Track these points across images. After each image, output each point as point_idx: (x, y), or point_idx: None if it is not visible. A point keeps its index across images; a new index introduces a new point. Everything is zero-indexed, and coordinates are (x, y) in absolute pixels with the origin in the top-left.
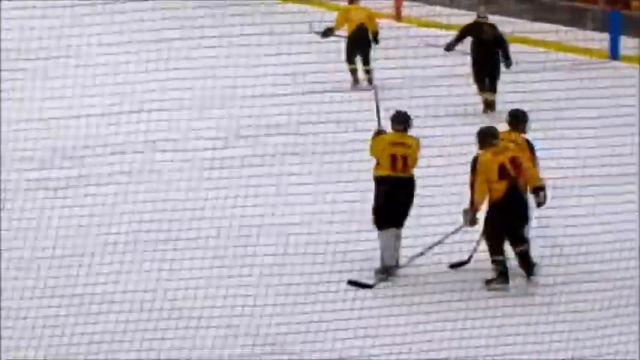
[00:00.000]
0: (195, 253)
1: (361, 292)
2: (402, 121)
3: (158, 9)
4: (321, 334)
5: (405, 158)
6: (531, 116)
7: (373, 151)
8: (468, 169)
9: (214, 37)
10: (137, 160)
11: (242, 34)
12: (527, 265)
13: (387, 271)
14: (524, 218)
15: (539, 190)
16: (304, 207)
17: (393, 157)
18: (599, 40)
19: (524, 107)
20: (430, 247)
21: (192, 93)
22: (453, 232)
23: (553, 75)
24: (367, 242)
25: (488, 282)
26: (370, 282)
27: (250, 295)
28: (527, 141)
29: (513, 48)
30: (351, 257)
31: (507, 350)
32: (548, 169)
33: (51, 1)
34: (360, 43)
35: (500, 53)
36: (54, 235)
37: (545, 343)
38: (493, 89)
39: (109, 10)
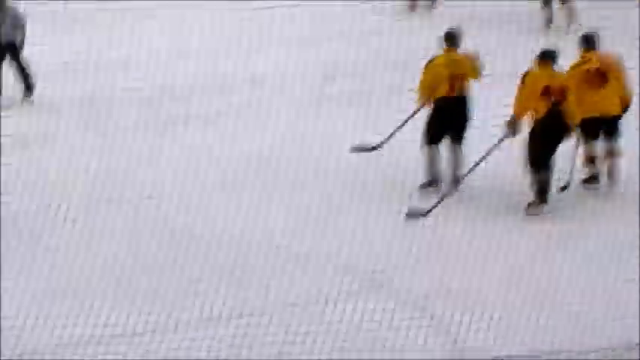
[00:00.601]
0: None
1: None
2: (454, 38)
3: None
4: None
5: (461, 78)
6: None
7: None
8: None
9: None
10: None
11: None
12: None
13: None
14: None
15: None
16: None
17: (450, 79)
18: None
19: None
20: (477, 163)
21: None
22: (497, 144)
23: None
24: None
25: (528, 205)
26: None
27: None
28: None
29: None
30: None
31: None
32: None
33: None
34: None
35: None
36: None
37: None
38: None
39: None
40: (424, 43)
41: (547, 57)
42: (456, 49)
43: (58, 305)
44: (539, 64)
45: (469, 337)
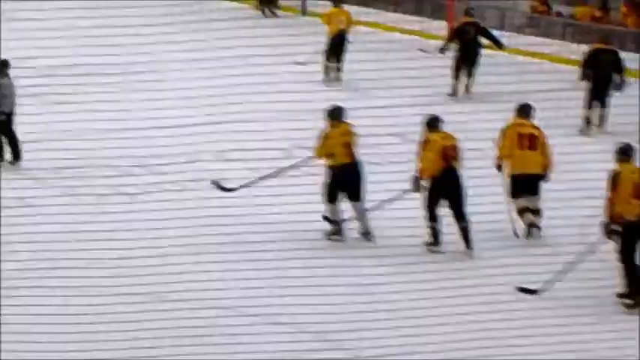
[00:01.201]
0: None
1: None
2: (340, 113)
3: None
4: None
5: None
6: None
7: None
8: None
9: None
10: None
11: None
12: (467, 238)
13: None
14: (460, 195)
15: None
16: None
17: (344, 146)
18: None
19: None
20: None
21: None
22: (403, 193)
23: None
24: None
25: (425, 244)
26: None
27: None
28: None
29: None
30: None
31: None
32: None
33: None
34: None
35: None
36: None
37: None
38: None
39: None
40: None
41: (436, 123)
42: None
43: None
44: (430, 129)
45: None
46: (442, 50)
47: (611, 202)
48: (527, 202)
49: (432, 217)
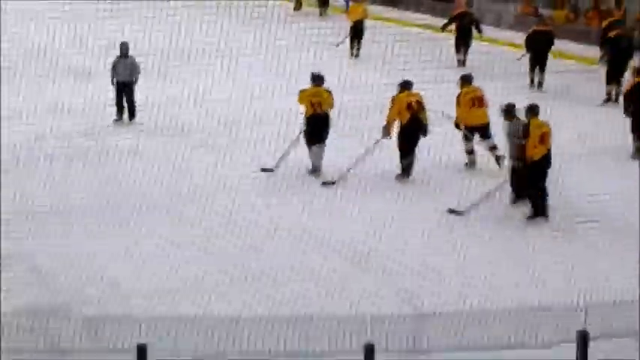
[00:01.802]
0: None
1: None
2: (318, 78)
3: None
4: None
5: (320, 103)
6: None
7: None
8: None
9: None
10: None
11: None
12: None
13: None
14: (418, 137)
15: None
16: None
17: (312, 103)
18: None
19: None
20: (362, 157)
21: None
22: (375, 143)
23: None
24: None
25: (397, 176)
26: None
27: None
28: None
29: None
30: None
31: None
32: None
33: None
34: None
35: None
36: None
37: None
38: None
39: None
40: None
41: (407, 85)
42: (320, 85)
43: None
44: (401, 90)
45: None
46: (443, 28)
47: (524, 147)
48: (482, 144)
49: (403, 156)
